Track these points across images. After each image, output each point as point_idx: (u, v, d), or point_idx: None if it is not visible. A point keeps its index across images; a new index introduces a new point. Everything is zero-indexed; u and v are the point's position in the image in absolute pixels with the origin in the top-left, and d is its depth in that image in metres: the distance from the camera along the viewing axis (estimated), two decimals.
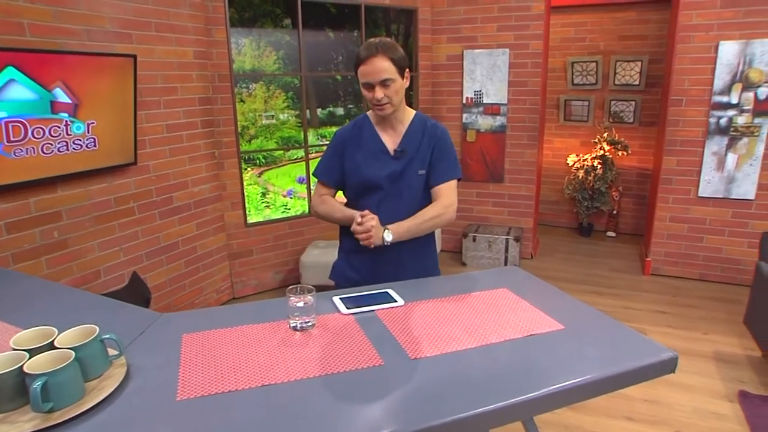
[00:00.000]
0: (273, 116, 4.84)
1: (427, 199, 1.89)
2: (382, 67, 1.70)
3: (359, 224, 1.71)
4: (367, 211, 1.74)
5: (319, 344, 1.32)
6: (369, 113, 1.92)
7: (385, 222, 1.76)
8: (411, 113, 1.91)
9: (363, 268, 1.91)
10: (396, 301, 1.57)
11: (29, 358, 1.07)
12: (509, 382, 1.17)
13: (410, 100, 5.20)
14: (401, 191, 1.86)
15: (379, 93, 1.73)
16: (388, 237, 1.72)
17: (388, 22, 5.13)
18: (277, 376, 1.18)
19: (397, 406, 1.09)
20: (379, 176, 1.85)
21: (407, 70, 1.79)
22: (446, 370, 1.21)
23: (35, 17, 2.60)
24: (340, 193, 2.01)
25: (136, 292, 2.75)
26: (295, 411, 1.07)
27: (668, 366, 1.28)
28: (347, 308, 1.52)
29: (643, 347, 1.33)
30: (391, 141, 1.88)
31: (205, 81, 3.72)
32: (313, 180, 1.96)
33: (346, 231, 1.91)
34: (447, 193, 1.86)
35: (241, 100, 4.38)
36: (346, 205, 1.95)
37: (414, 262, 1.91)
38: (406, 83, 1.80)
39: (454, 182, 1.88)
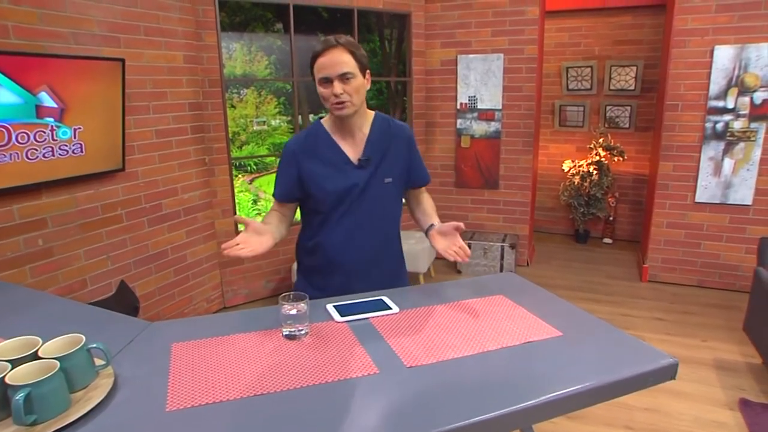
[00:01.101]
0: (264, 122, 4.84)
1: (396, 208, 1.84)
2: (342, 59, 1.58)
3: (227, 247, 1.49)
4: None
5: (312, 353, 1.31)
6: (323, 121, 1.79)
7: (349, 238, 1.74)
8: (370, 116, 1.79)
9: (329, 288, 1.77)
10: (391, 309, 1.56)
11: (11, 369, 1.05)
12: (507, 390, 1.16)
13: (404, 105, 5.22)
14: (367, 203, 1.75)
15: (338, 87, 1.59)
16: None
17: (381, 26, 5.16)
18: (270, 385, 1.17)
19: (393, 415, 1.08)
20: (342, 189, 1.72)
21: (368, 71, 1.68)
22: (442, 379, 1.20)
23: (20, 19, 2.59)
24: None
25: (124, 301, 2.72)
26: (289, 421, 1.05)
27: (668, 372, 1.28)
28: (341, 316, 1.51)
29: (643, 353, 1.33)
30: (351, 149, 1.75)
31: (195, 86, 3.71)
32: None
33: (303, 249, 1.85)
34: (423, 190, 1.94)
35: (232, 106, 4.38)
36: (305, 219, 1.84)
37: (383, 282, 1.80)
38: (368, 85, 1.68)
39: None
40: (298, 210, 1.86)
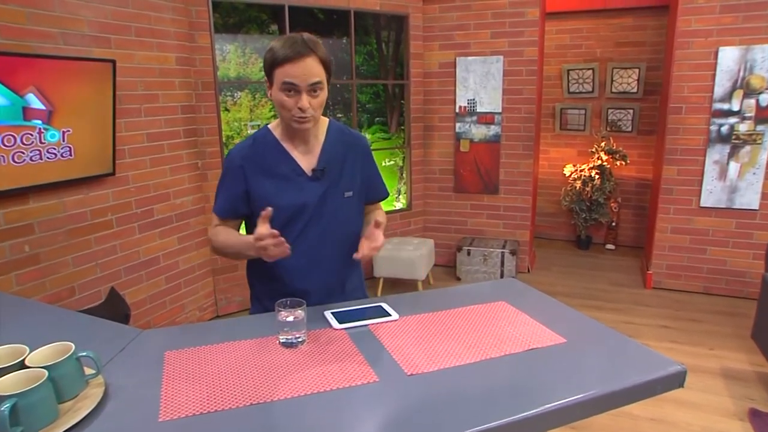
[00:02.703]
0: (259, 125, 4.84)
1: (358, 225, 1.73)
2: (315, 70, 1.46)
3: (263, 238, 1.39)
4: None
5: (310, 361, 1.30)
6: (271, 126, 1.66)
7: (311, 261, 1.63)
8: (324, 122, 1.68)
9: None
10: (390, 315, 1.56)
11: None
12: (509, 398, 1.16)
13: (401, 109, 5.23)
14: (326, 218, 1.64)
15: (306, 101, 1.47)
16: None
17: (379, 28, 5.18)
18: (266, 394, 1.16)
19: (394, 424, 1.07)
20: (296, 204, 1.60)
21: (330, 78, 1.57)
22: (444, 387, 1.19)
23: (7, 19, 2.58)
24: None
25: (114, 309, 2.71)
26: (286, 431, 1.04)
27: (676, 380, 1.27)
28: (339, 323, 1.50)
29: (649, 361, 1.32)
30: (305, 159, 1.62)
31: (188, 88, 3.71)
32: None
33: (257, 274, 1.71)
34: (378, 205, 1.85)
35: (226, 109, 4.38)
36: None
37: (343, 300, 1.72)
38: (327, 96, 1.57)
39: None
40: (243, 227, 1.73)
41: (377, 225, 1.57)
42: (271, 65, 1.48)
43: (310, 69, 1.45)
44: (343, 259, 1.66)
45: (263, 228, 1.41)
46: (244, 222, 1.72)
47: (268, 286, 1.70)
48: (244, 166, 1.60)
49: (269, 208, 1.43)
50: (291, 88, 1.46)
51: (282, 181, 1.61)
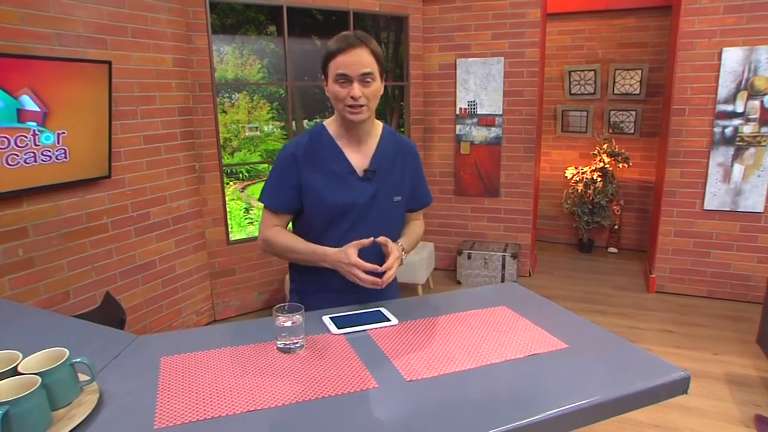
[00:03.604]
0: (257, 128, 4.84)
1: (400, 230, 1.78)
2: (365, 59, 1.52)
3: (359, 267, 1.51)
4: (381, 237, 1.58)
5: (308, 366, 1.30)
6: (327, 123, 1.70)
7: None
8: (379, 125, 1.72)
9: (322, 306, 1.69)
10: (389, 320, 1.55)
11: None
12: (511, 404, 1.16)
13: (401, 111, 5.24)
14: (372, 220, 1.66)
15: (358, 89, 1.52)
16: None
17: (378, 29, 5.19)
18: (264, 400, 1.15)
19: (393, 431, 1.07)
20: (345, 202, 1.64)
21: (384, 75, 1.63)
22: (444, 393, 1.19)
23: (1, 19, 2.59)
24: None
25: (109, 314, 2.70)
26: None
27: (680, 386, 1.27)
28: (338, 328, 1.50)
29: (653, 366, 1.32)
30: (357, 158, 1.66)
31: (185, 90, 3.71)
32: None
33: (300, 269, 1.74)
34: (419, 214, 1.90)
35: (224, 111, 4.38)
36: (300, 235, 1.72)
37: (378, 298, 1.74)
38: (382, 90, 1.62)
39: None
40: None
41: (386, 247, 1.61)
42: (325, 59, 1.56)
43: (361, 59, 1.51)
44: (383, 260, 1.63)
45: (357, 258, 1.53)
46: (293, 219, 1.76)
47: (308, 281, 1.73)
48: (298, 161, 1.64)
49: (372, 238, 1.55)
50: (343, 79, 1.53)
51: (333, 178, 1.64)
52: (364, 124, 1.63)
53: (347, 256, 1.53)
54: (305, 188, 1.64)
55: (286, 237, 1.67)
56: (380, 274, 1.55)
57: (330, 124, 1.69)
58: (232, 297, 4.21)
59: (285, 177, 1.65)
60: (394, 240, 1.67)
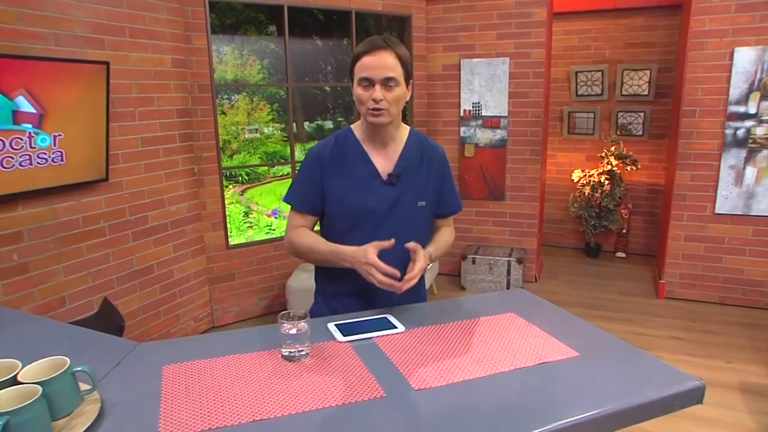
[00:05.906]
0: (257, 130, 4.84)
1: (427, 236, 1.79)
2: (389, 63, 1.55)
3: (375, 267, 1.51)
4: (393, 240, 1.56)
5: (314, 375, 1.30)
6: (354, 127, 1.74)
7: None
8: (406, 130, 1.75)
9: (346, 310, 1.71)
10: (396, 328, 1.56)
11: None
12: (521, 414, 1.16)
13: (404, 112, 5.25)
14: (395, 225, 1.68)
15: (379, 93, 1.56)
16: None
17: (381, 29, 5.19)
18: (269, 410, 1.16)
19: None
20: (367, 207, 1.68)
21: (412, 80, 1.66)
22: (453, 402, 1.19)
23: None
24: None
25: (107, 320, 2.71)
26: None
27: (694, 396, 1.27)
28: (344, 335, 1.50)
29: (667, 375, 1.32)
30: (383, 162, 1.70)
31: (183, 91, 3.73)
32: (286, 206, 1.80)
33: (324, 271, 1.77)
34: (449, 221, 1.91)
35: (223, 113, 4.39)
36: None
37: (403, 302, 1.74)
38: (408, 95, 1.65)
39: None
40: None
41: (414, 253, 1.61)
42: (352, 62, 1.60)
43: (385, 62, 1.55)
44: (406, 264, 1.63)
45: (375, 257, 1.51)
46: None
47: (333, 284, 1.77)
48: (323, 163, 1.69)
49: (392, 240, 1.55)
50: (366, 82, 1.57)
51: (357, 182, 1.68)
52: (388, 127, 1.67)
53: (365, 254, 1.53)
54: (328, 191, 1.69)
55: (308, 238, 1.71)
56: (399, 279, 1.55)
57: (356, 127, 1.74)
58: (231, 303, 4.22)
59: (309, 178, 1.71)
60: (422, 246, 1.67)
